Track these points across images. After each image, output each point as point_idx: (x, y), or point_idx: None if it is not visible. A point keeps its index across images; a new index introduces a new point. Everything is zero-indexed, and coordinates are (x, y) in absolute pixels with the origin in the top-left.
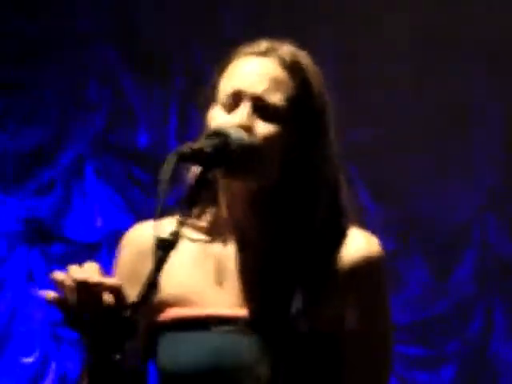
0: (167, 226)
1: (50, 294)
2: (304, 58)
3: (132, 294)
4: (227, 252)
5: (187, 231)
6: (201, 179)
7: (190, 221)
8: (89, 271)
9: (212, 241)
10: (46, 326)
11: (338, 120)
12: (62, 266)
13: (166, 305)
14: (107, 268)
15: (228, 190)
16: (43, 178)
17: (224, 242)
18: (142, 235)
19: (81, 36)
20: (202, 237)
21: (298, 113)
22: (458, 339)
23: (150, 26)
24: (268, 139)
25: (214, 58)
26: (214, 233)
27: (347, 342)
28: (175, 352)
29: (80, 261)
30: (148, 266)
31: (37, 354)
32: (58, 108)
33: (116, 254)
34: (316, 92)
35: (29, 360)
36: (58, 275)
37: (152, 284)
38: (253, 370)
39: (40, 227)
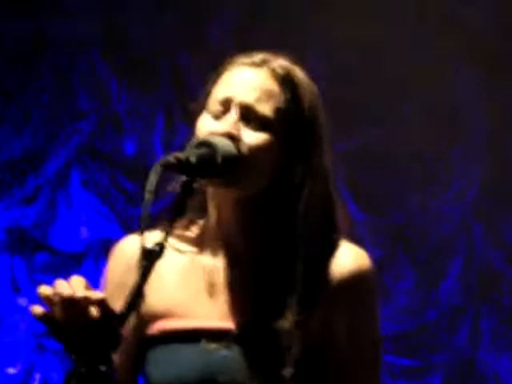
0: (156, 236)
1: (37, 310)
2: (297, 72)
3: (120, 305)
4: (216, 263)
5: (176, 242)
6: (186, 189)
7: (178, 232)
8: (75, 285)
9: (201, 252)
10: (30, 336)
11: (331, 133)
12: (47, 276)
13: (155, 317)
14: (92, 277)
15: (216, 199)
16: (28, 186)
17: (213, 252)
18: (131, 247)
19: (68, 44)
20: (191, 248)
21: (287, 125)
22: (445, 349)
23: (138, 35)
24: (255, 148)
25: (202, 68)
26: (203, 244)
27: (336, 354)
28: (164, 365)
29: (65, 270)
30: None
31: (21, 364)
32: (44, 116)
33: (105, 266)
34: (307, 106)
35: (13, 370)
36: (45, 290)
37: (137, 294)
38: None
39: (24, 236)
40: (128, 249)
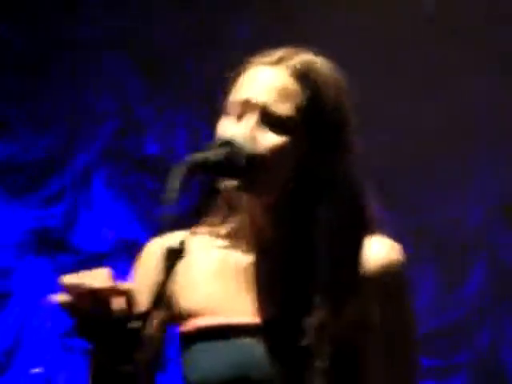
0: (182, 237)
1: (62, 297)
2: (320, 66)
3: (144, 304)
4: (248, 260)
5: (209, 239)
6: (209, 189)
7: (211, 229)
8: (99, 276)
9: (233, 249)
10: (56, 337)
11: (360, 130)
12: None
13: (189, 315)
14: (116, 277)
15: (246, 198)
16: (52, 187)
17: (245, 249)
18: (159, 247)
19: (91, 46)
20: (223, 245)
21: (310, 124)
22: (468, 349)
23: (159, 36)
24: (273, 150)
25: (224, 68)
26: (235, 241)
27: (368, 349)
28: (199, 362)
29: (88, 270)
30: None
31: (46, 364)
32: (68, 117)
33: (134, 266)
34: (329, 102)
35: (38, 370)
36: (69, 280)
37: (160, 293)
38: (275, 380)
39: (49, 237)
40: (156, 249)
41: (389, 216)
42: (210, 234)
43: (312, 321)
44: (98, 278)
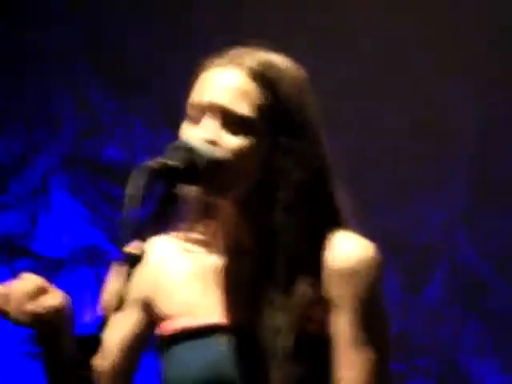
0: (163, 242)
1: None
2: (276, 63)
3: (132, 308)
4: (222, 262)
5: (184, 244)
6: (168, 194)
7: (185, 234)
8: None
9: (208, 251)
10: (15, 344)
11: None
12: None
13: (165, 318)
14: (75, 283)
15: (213, 201)
16: (10, 192)
17: (219, 251)
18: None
19: (51, 49)
20: (198, 248)
21: (270, 121)
22: (429, 354)
23: (121, 39)
24: (236, 152)
25: (186, 72)
26: (210, 243)
27: (336, 345)
28: (176, 364)
29: (47, 276)
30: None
31: (5, 372)
32: (26, 121)
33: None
34: (289, 99)
35: None
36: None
37: (117, 299)
38: (253, 380)
39: (7, 242)
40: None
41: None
42: (183, 239)
43: (274, 319)
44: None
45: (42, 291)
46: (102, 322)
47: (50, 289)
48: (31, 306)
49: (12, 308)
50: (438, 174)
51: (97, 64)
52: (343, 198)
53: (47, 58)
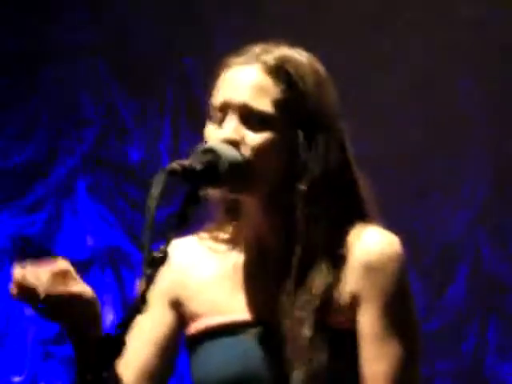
0: (190, 242)
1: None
2: (293, 57)
3: (159, 310)
4: (250, 259)
5: (211, 244)
6: (191, 197)
7: (213, 233)
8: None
9: (235, 250)
10: (36, 345)
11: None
12: None
13: (195, 318)
14: (99, 285)
15: (243, 199)
16: (34, 194)
17: (246, 249)
18: (175, 251)
19: (73, 50)
20: (225, 247)
21: (290, 116)
22: (452, 356)
23: (142, 41)
24: (258, 150)
25: (206, 72)
26: (237, 242)
27: (365, 339)
28: (206, 362)
29: None
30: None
31: (26, 372)
32: (50, 124)
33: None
34: (307, 92)
35: (18, 378)
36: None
37: (142, 300)
38: (280, 373)
39: (31, 244)
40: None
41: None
42: (209, 238)
43: (301, 314)
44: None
45: (72, 277)
46: (123, 324)
47: (79, 280)
48: (64, 287)
49: (43, 288)
50: (460, 174)
51: (120, 67)
52: (367, 191)
53: (72, 60)
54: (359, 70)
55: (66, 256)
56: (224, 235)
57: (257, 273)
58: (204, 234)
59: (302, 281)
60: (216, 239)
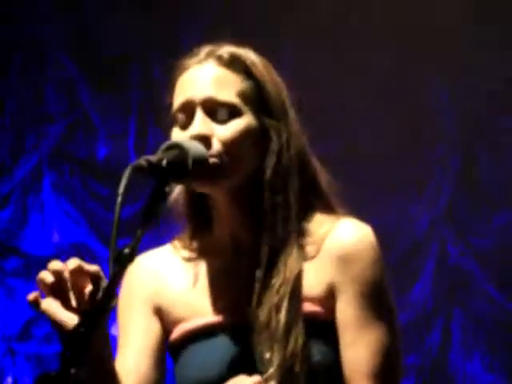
0: (162, 253)
1: (32, 296)
2: (245, 52)
3: (130, 316)
4: (225, 260)
5: (183, 252)
6: (157, 192)
7: (184, 242)
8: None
9: (208, 256)
10: (1, 341)
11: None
12: (18, 280)
13: (175, 324)
14: None
15: (214, 197)
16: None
17: (220, 252)
18: (147, 262)
19: (39, 47)
20: (198, 254)
21: (252, 104)
22: (416, 352)
23: (109, 38)
24: (230, 142)
25: (172, 70)
26: (209, 250)
27: (345, 326)
28: (187, 366)
29: (36, 274)
30: (146, 290)
31: None
32: (15, 119)
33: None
34: (264, 80)
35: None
36: (45, 275)
37: (108, 297)
38: (258, 372)
39: None
40: (144, 264)
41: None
42: (185, 248)
43: (290, 308)
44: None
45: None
46: (89, 320)
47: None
48: (90, 292)
49: (69, 290)
50: (424, 172)
51: (86, 63)
52: (328, 181)
53: (37, 55)
54: (330, 69)
55: (32, 252)
56: (196, 244)
57: (232, 272)
58: (177, 243)
59: (273, 267)
60: (189, 248)
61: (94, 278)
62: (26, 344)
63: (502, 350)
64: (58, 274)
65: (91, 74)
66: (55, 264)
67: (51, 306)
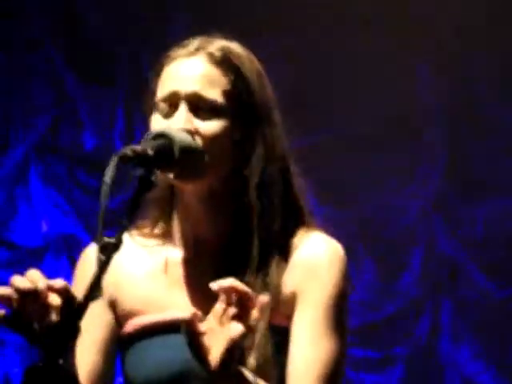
0: (127, 238)
1: None
2: (237, 50)
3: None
4: (186, 255)
5: (144, 240)
6: (143, 182)
7: (146, 230)
8: (33, 278)
9: (170, 246)
10: None
11: (285, 114)
12: (8, 271)
13: (129, 316)
14: (53, 272)
15: (182, 193)
16: None
17: (182, 245)
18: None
19: (26, 38)
20: (160, 244)
21: (239, 106)
22: (405, 341)
23: (95, 29)
24: (210, 139)
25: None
26: (172, 238)
27: (299, 337)
28: (144, 360)
29: (25, 265)
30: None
31: None
32: (2, 110)
33: (75, 271)
34: (253, 82)
35: None
36: (2, 291)
37: (95, 286)
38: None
39: None
40: (93, 255)
41: (323, 209)
42: (142, 235)
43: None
44: (32, 279)
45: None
46: (77, 310)
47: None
48: (57, 301)
49: (35, 307)
50: (413, 161)
51: (73, 54)
52: (302, 189)
53: (23, 47)
54: (315, 57)
55: (21, 243)
56: (155, 231)
57: (192, 267)
58: (134, 231)
59: (256, 268)
60: (146, 235)
61: (62, 293)
62: (15, 335)
63: (491, 338)
64: (23, 293)
65: (78, 65)
66: (20, 282)
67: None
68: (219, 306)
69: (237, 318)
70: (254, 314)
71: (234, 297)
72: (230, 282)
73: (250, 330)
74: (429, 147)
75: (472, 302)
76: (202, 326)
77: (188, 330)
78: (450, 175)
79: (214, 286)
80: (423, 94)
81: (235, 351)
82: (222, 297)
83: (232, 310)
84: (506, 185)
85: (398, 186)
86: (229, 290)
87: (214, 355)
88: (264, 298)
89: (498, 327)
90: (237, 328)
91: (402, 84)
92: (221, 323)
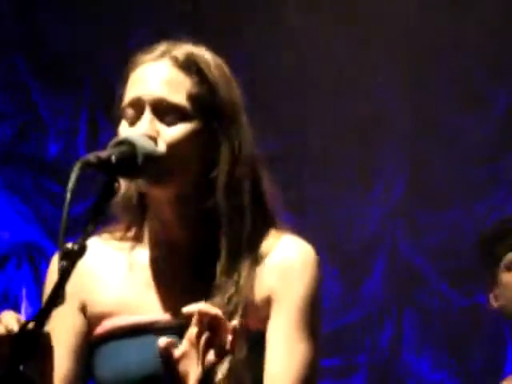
0: (91, 243)
1: None
2: (201, 53)
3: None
4: (158, 258)
5: (116, 243)
6: (107, 188)
7: (118, 233)
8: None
9: (142, 249)
10: None
11: (251, 117)
12: None
13: (101, 318)
14: (15, 280)
15: (152, 196)
16: None
17: (154, 248)
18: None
19: None
20: (132, 246)
21: (205, 109)
22: (368, 349)
23: (59, 35)
24: (174, 144)
25: (124, 68)
26: (144, 241)
27: (274, 340)
28: (112, 363)
29: None
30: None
31: None
32: None
33: (45, 279)
34: (218, 85)
35: None
36: None
37: (56, 295)
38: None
39: None
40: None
41: (288, 216)
42: (117, 238)
43: (226, 307)
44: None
45: None
46: (39, 317)
47: None
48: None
49: None
50: (376, 168)
51: (36, 61)
52: (271, 191)
53: None
54: (284, 66)
55: None
56: (130, 234)
57: (164, 270)
58: (105, 235)
59: (228, 270)
60: (119, 239)
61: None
62: None
63: (453, 348)
64: None
65: (42, 71)
66: None
67: None
68: (192, 330)
69: (210, 341)
70: (228, 338)
71: (205, 320)
72: (199, 306)
73: (224, 352)
74: (392, 156)
75: (434, 310)
76: (177, 352)
77: (164, 357)
78: (412, 184)
79: (185, 310)
80: (384, 101)
81: (211, 375)
82: (194, 320)
83: (205, 335)
84: (468, 193)
85: (360, 193)
86: (199, 314)
87: (191, 381)
88: (235, 324)
89: (460, 335)
90: (211, 354)
91: (365, 92)
92: (195, 346)
